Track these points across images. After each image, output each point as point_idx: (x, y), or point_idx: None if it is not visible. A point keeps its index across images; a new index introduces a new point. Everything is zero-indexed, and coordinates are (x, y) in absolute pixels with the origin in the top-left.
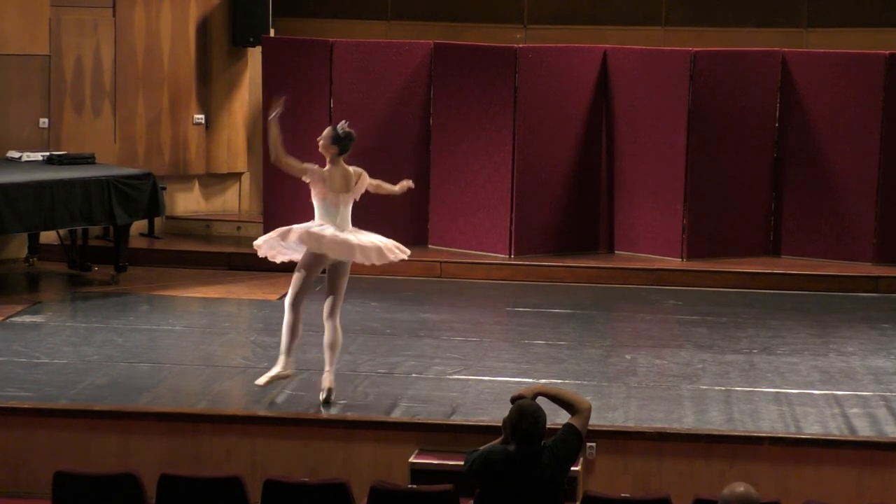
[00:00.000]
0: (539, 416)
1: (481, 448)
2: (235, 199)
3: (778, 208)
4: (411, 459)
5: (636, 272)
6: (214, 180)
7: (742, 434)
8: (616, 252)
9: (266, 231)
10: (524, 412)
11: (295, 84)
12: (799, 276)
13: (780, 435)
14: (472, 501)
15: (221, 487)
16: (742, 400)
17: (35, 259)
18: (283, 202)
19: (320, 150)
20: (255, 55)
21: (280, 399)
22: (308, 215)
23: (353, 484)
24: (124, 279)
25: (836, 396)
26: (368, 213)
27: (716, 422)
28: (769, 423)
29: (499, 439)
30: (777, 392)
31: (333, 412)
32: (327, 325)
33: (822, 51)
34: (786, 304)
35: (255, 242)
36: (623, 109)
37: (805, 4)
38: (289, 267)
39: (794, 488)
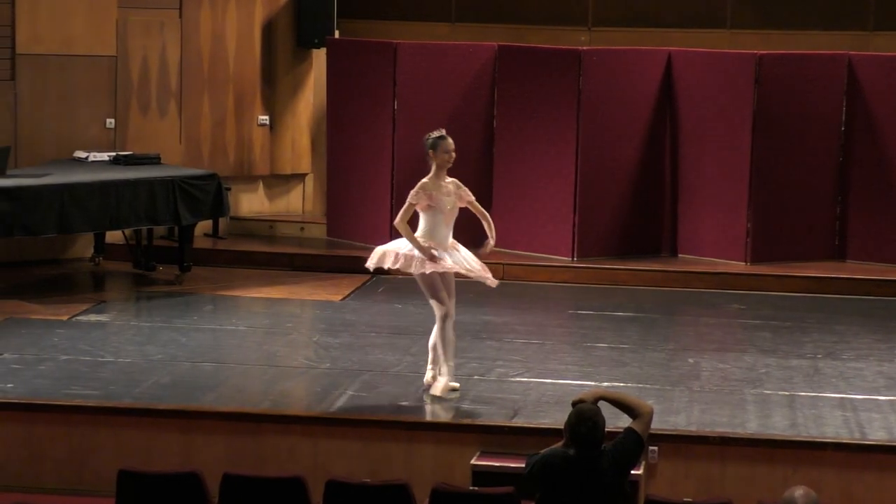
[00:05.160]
0: (598, 420)
1: (542, 451)
2: (299, 200)
3: (843, 213)
4: (473, 461)
5: (699, 276)
6: (278, 181)
7: (806, 440)
8: (679, 255)
9: (330, 233)
10: (582, 416)
11: (359, 85)
12: (864, 280)
13: (844, 441)
14: None
15: (284, 487)
16: (806, 405)
17: (100, 258)
18: (346, 203)
19: (448, 161)
20: (319, 56)
21: (342, 400)
22: (369, 220)
23: (415, 485)
24: (188, 279)
25: None
26: None
27: (779, 427)
28: (833, 429)
29: (560, 442)
30: (842, 397)
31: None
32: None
33: (889, 54)
34: (851, 309)
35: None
36: (687, 112)
37: (872, 7)
38: (349, 268)
39: (859, 495)
